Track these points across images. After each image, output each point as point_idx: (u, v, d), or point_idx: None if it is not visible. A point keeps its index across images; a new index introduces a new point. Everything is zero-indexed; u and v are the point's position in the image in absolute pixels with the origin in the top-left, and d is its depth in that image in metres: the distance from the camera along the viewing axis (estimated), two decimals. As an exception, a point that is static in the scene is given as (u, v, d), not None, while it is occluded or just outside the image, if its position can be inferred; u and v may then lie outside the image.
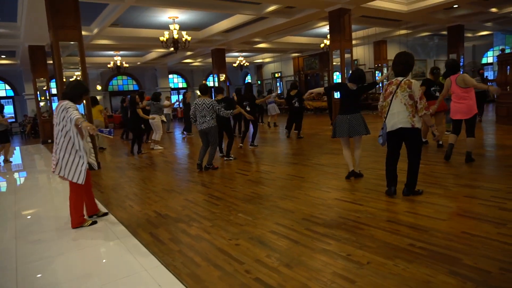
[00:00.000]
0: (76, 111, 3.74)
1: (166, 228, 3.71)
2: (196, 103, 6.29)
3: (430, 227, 3.20)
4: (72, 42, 6.93)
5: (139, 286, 2.62)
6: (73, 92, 3.86)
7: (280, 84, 24.00)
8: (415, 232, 3.12)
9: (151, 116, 9.43)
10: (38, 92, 13.06)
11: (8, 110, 18.23)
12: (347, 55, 11.33)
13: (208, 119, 6.19)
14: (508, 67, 9.57)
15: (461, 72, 5.60)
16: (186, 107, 12.44)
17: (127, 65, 17.74)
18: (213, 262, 2.86)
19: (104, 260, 3.20)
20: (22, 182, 7.20)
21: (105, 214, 4.28)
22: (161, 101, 11.15)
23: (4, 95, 19.19)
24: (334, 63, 11.65)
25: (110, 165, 7.82)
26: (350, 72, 5.21)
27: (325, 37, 15.59)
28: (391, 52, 18.04)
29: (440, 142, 6.93)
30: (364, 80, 4.98)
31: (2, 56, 15.91)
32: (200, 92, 6.43)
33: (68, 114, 3.66)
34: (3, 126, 8.91)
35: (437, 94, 6.61)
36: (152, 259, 3.01)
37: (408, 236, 3.06)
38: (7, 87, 19.36)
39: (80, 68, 7.10)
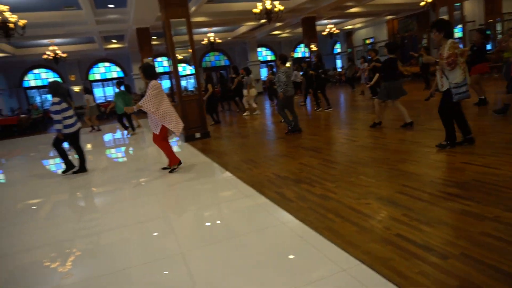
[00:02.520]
0: None
1: (290, 188, 3.88)
2: (286, 72, 6.81)
3: None
4: (181, 19, 7.40)
5: (281, 236, 2.82)
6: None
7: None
8: None
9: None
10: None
11: (119, 89, 20.35)
12: (456, 12, 10.22)
13: (291, 86, 6.92)
14: None
15: None
16: None
17: (219, 41, 18.37)
18: (347, 219, 2.94)
19: (241, 213, 3.48)
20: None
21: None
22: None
23: (116, 76, 21.46)
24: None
25: (216, 134, 8.34)
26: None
27: (426, -6, 14.20)
28: (507, 5, 15.71)
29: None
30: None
31: (113, 41, 17.67)
32: (282, 61, 6.99)
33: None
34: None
35: None
36: (285, 214, 3.20)
37: None
38: (118, 68, 21.59)
39: (189, 44, 7.59)
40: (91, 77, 21.24)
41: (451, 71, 4.27)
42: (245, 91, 11.65)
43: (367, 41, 23.31)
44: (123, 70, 21.55)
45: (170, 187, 4.65)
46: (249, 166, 5.06)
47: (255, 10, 11.87)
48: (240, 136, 7.77)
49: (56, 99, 5.53)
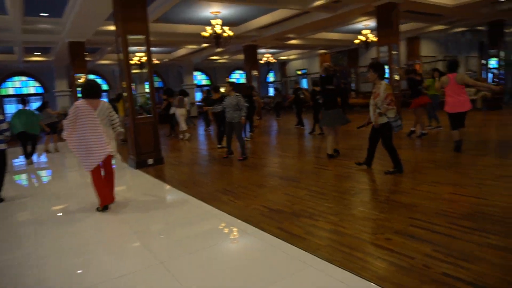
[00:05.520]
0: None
1: (292, 223, 3.56)
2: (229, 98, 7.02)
3: None
4: (140, 36, 6.86)
5: (319, 282, 2.48)
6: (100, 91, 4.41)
7: (305, 81, 23.78)
8: None
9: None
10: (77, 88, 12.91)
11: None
12: (394, 52, 11.14)
13: (237, 113, 6.91)
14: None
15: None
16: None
17: (157, 62, 17.63)
18: (378, 257, 2.72)
19: (253, 256, 3.06)
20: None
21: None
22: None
23: (34, 91, 19.20)
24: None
25: (170, 160, 7.69)
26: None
27: (358, 33, 15.39)
28: (424, 49, 17.77)
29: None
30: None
31: (36, 53, 15.87)
32: (234, 88, 7.18)
33: (114, 115, 4.43)
34: (53, 118, 10.36)
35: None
36: (306, 254, 2.87)
37: None
38: (37, 84, 19.36)
39: (147, 64, 7.03)
40: (3, 91, 18.71)
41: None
42: (181, 111, 11.50)
43: (299, 72, 24.44)
44: (43, 85, 19.41)
45: (151, 226, 4.02)
46: (229, 197, 4.63)
47: (204, 34, 11.64)
48: (196, 164, 7.26)
49: None
